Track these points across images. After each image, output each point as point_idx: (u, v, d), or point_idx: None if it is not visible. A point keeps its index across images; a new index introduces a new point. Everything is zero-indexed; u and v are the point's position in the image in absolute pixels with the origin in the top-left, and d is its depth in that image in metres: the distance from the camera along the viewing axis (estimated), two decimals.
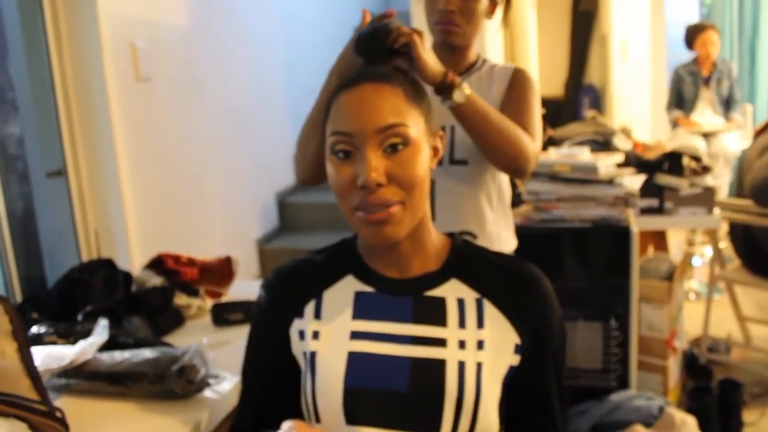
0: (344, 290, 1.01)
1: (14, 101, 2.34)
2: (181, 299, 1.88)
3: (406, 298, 0.98)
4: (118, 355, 1.39)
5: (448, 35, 1.45)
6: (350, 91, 0.93)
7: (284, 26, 4.11)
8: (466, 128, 1.32)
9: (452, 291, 0.99)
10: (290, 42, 4.19)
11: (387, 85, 0.93)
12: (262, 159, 3.81)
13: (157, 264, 1.97)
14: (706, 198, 2.65)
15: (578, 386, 2.38)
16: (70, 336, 1.49)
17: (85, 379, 1.38)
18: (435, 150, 0.99)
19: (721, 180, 4.23)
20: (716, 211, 2.68)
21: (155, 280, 1.91)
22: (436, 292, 0.98)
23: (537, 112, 1.47)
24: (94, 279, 1.82)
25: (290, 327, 1.01)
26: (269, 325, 1.04)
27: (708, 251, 4.42)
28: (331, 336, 0.98)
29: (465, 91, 1.25)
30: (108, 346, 1.46)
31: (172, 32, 2.80)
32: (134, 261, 2.41)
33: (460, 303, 0.98)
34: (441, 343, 0.95)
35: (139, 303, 1.78)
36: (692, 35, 4.51)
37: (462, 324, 0.96)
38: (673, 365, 2.69)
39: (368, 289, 1.00)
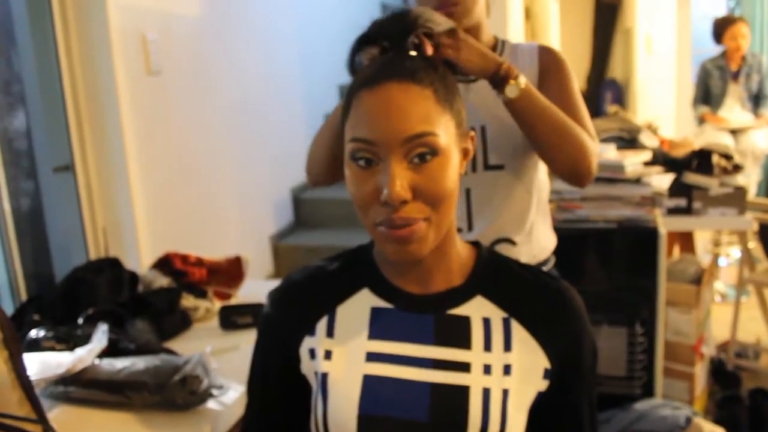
0: (360, 306, 0.92)
1: (21, 94, 2.28)
2: (188, 301, 1.81)
3: (427, 316, 0.90)
4: (118, 363, 1.32)
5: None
6: (373, 90, 0.83)
7: (300, 18, 4.03)
8: (520, 124, 1.20)
9: (477, 309, 0.90)
10: (306, 34, 4.11)
11: (415, 86, 0.82)
12: (276, 153, 3.73)
13: (164, 264, 1.91)
14: (736, 198, 2.53)
15: (601, 394, 2.27)
16: (70, 341, 1.43)
17: (83, 386, 1.32)
18: (465, 152, 0.90)
19: (749, 179, 4.09)
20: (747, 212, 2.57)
21: (162, 281, 1.85)
22: (460, 311, 0.90)
23: (582, 101, 1.32)
24: (99, 279, 1.76)
25: (300, 345, 0.93)
26: (277, 341, 0.96)
27: (734, 252, 4.29)
28: (344, 357, 0.90)
29: (520, 84, 1.13)
30: (109, 351, 1.40)
31: (184, 24, 2.74)
32: (143, 259, 2.35)
33: (486, 323, 0.89)
34: (464, 367, 0.87)
35: (145, 305, 1.72)
36: (721, 28, 4.36)
37: (488, 347, 0.88)
38: (700, 372, 2.58)
39: (386, 305, 0.91)
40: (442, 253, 0.90)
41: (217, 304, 1.84)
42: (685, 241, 3.40)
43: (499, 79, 1.13)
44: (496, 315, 0.90)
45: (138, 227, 2.36)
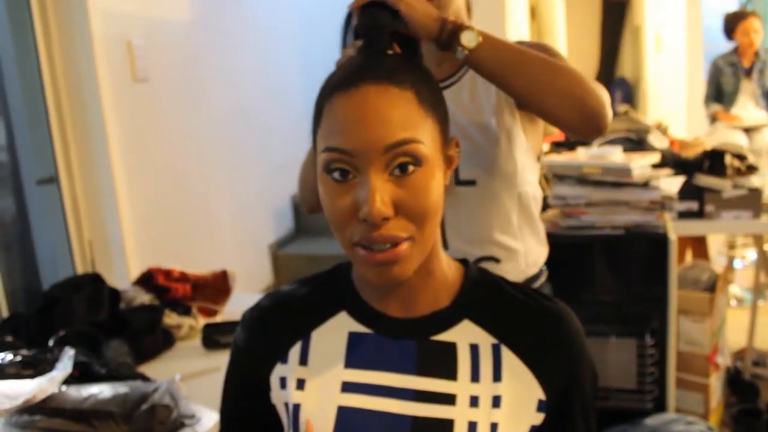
0: (336, 330, 0.84)
1: (3, 105, 2.21)
2: (171, 318, 1.73)
3: (409, 343, 0.81)
4: (85, 391, 1.24)
5: None
6: (348, 94, 0.73)
7: (297, 19, 3.95)
8: (499, 79, 1.00)
9: (464, 335, 0.81)
10: (304, 35, 4.02)
11: (394, 88, 0.73)
12: (275, 160, 3.65)
13: (146, 280, 1.83)
14: (751, 200, 2.42)
15: (610, 408, 2.17)
16: (38, 365, 1.35)
17: (48, 415, 1.23)
18: (450, 161, 0.81)
19: (764, 179, 3.96)
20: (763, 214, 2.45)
21: (143, 298, 1.77)
22: (445, 337, 0.81)
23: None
24: (77, 297, 1.68)
25: (271, 373, 0.85)
26: (247, 368, 0.88)
27: (750, 254, 4.16)
28: (318, 387, 0.82)
29: (474, 30, 0.96)
30: (80, 375, 1.32)
31: (173, 28, 2.66)
32: (132, 273, 2.27)
33: (474, 350, 0.80)
34: (449, 399, 0.78)
35: (124, 324, 1.64)
36: (733, 24, 4.24)
37: (475, 377, 0.79)
38: (716, 383, 2.47)
39: (364, 330, 0.83)
40: (426, 272, 0.81)
41: (202, 321, 1.76)
42: (698, 245, 3.28)
43: (448, 35, 0.96)
44: (485, 341, 0.81)
45: (125, 240, 2.28)
